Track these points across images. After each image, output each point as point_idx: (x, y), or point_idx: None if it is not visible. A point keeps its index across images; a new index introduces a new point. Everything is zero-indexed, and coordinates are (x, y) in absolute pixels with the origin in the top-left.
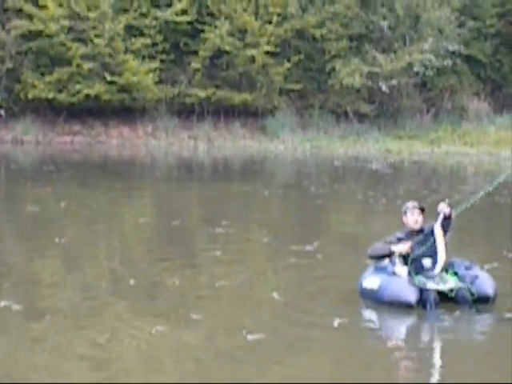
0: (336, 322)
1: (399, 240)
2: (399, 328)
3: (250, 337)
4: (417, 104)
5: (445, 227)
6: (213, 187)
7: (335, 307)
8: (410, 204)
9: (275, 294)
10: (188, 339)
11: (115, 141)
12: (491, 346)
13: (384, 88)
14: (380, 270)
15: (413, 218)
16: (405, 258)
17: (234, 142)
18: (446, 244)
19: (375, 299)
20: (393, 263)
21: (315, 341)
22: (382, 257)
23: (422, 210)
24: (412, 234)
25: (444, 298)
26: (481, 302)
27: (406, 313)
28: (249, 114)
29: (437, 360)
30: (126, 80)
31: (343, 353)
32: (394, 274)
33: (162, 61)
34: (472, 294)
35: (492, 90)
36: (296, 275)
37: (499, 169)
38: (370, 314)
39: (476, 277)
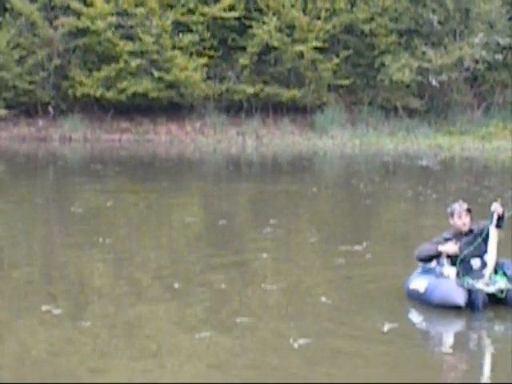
0: (386, 327)
1: (446, 240)
2: (447, 332)
3: (297, 343)
4: (467, 99)
5: (498, 227)
6: (261, 185)
7: (384, 310)
8: (457, 206)
9: (324, 298)
10: (232, 344)
11: (163, 138)
12: None
13: (434, 83)
14: (427, 271)
15: (460, 221)
16: (453, 259)
17: (282, 139)
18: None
19: (423, 301)
20: (440, 264)
21: (363, 347)
22: (429, 258)
23: (469, 210)
24: (460, 234)
25: (493, 299)
26: None
27: (454, 315)
28: (297, 110)
29: (487, 365)
30: (174, 76)
31: (391, 358)
32: (441, 275)
33: (209, 57)
34: None
35: None
36: (345, 277)
37: None
38: (418, 317)
39: None
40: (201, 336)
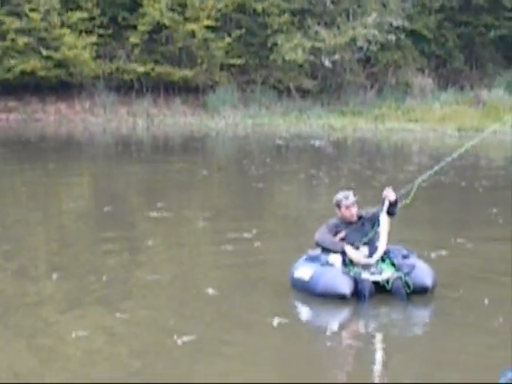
0: (275, 321)
1: (337, 228)
2: (334, 323)
3: (180, 339)
4: (360, 80)
5: (390, 214)
6: (151, 167)
7: (273, 302)
8: (343, 198)
9: (210, 289)
10: (108, 339)
11: (52, 118)
12: (427, 339)
13: (327, 63)
14: (313, 258)
15: (349, 213)
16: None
17: (174, 119)
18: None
19: (307, 290)
20: (326, 252)
21: (252, 342)
22: (329, 251)
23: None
24: (349, 223)
25: (380, 288)
26: (418, 293)
27: (340, 305)
28: (189, 90)
29: (373, 355)
30: (63, 55)
31: (279, 353)
32: (327, 263)
33: (99, 35)
34: (408, 286)
35: (436, 66)
36: (233, 266)
37: (444, 146)
38: (304, 309)
39: (413, 267)
40: (78, 334)
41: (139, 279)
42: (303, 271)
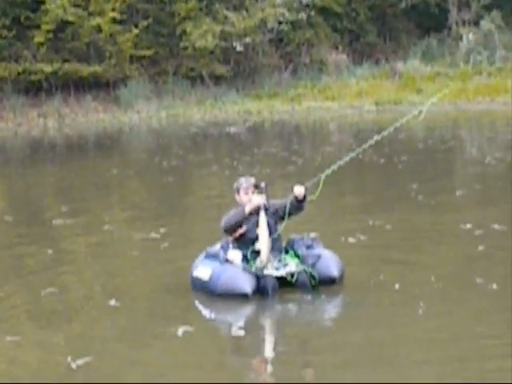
0: (180, 330)
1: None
2: (238, 324)
3: (76, 363)
4: (274, 61)
5: (298, 209)
6: (62, 168)
7: (175, 308)
8: (243, 181)
9: (113, 301)
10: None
11: None
12: (337, 333)
13: (238, 47)
14: (211, 256)
15: (247, 198)
16: (246, 240)
17: (86, 117)
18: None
19: (208, 291)
20: (224, 248)
21: (155, 356)
22: (239, 224)
23: (256, 187)
24: (250, 213)
25: (284, 282)
26: (326, 284)
27: (244, 304)
28: (100, 86)
29: (284, 354)
30: None
31: (190, 365)
32: (226, 260)
33: (2, 37)
34: (313, 278)
35: (350, 41)
36: (138, 272)
37: (362, 121)
38: (208, 312)
39: (319, 257)
40: None
41: (33, 294)
42: (202, 270)
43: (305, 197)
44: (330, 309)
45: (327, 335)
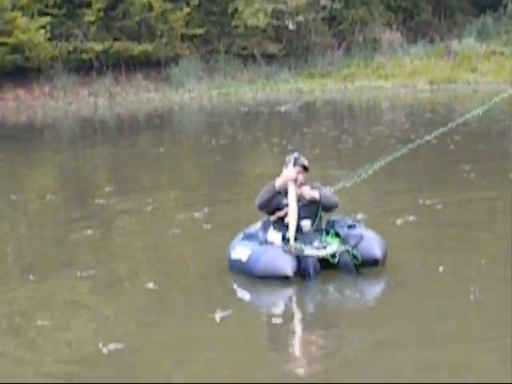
0: (218, 315)
1: (278, 194)
2: (279, 308)
3: (107, 348)
4: (327, 40)
5: (322, 207)
6: (109, 148)
7: (212, 292)
8: (292, 157)
9: (151, 284)
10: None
11: (10, 104)
12: (381, 314)
13: (291, 26)
14: (250, 236)
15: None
16: (282, 222)
17: (136, 96)
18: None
19: (246, 272)
20: (264, 229)
21: (196, 345)
22: (270, 200)
23: (305, 168)
24: (279, 191)
25: (326, 263)
26: (368, 265)
27: (284, 287)
28: (151, 65)
29: (328, 337)
30: (16, 39)
31: (229, 351)
32: (265, 241)
33: (53, 15)
34: (356, 258)
35: (404, 19)
36: (177, 254)
37: (416, 100)
38: (247, 296)
39: (361, 237)
40: None
41: (69, 273)
42: (240, 251)
43: (320, 198)
44: (373, 291)
45: (370, 318)
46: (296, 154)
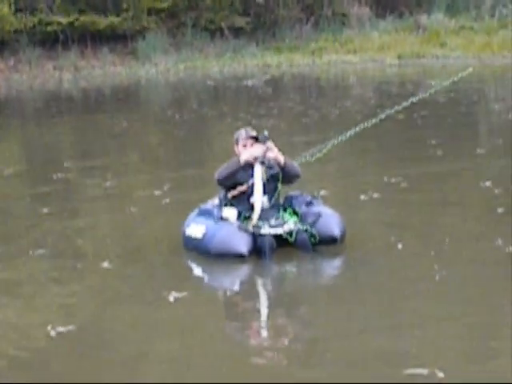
0: (172, 296)
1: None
2: (233, 287)
3: (55, 331)
4: (295, 13)
5: (282, 177)
6: (74, 122)
7: (166, 270)
8: (243, 133)
9: (106, 263)
10: None
11: None
12: (340, 293)
13: None
14: (205, 213)
15: (245, 150)
16: (239, 197)
17: (103, 70)
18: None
19: (201, 250)
20: (220, 205)
21: (148, 327)
22: (232, 175)
23: (256, 139)
24: (249, 166)
25: (282, 241)
26: (326, 243)
27: (239, 265)
28: (117, 39)
29: (285, 319)
30: None
31: (185, 329)
32: (221, 218)
33: None
34: (313, 237)
35: None
36: (134, 233)
37: (384, 75)
38: (201, 274)
39: (319, 215)
40: None
41: (19, 253)
42: (195, 228)
43: (285, 164)
44: (330, 270)
45: (326, 297)
46: (265, 132)
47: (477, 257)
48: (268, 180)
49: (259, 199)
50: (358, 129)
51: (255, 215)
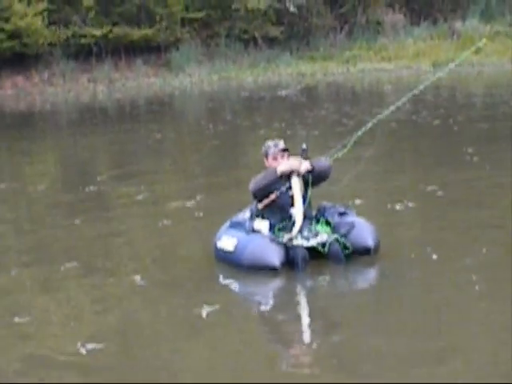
0: (204, 311)
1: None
2: (266, 301)
3: (85, 348)
4: (329, 22)
5: (310, 181)
6: (109, 135)
7: (198, 285)
8: (272, 146)
9: (138, 278)
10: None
11: (9, 92)
12: (373, 305)
13: (292, 8)
14: (236, 225)
15: (276, 164)
16: (271, 209)
17: (136, 82)
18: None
19: (233, 263)
20: (251, 216)
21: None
22: (269, 186)
23: (286, 150)
24: (281, 178)
25: (316, 253)
26: (360, 254)
27: (272, 278)
28: (151, 50)
29: (321, 333)
30: (14, 25)
31: (218, 349)
32: (252, 230)
33: (50, 1)
34: (346, 248)
35: (407, 0)
36: (167, 245)
37: (419, 82)
38: (233, 288)
39: (352, 225)
40: None
41: (51, 266)
42: (226, 240)
43: (313, 169)
44: (364, 282)
45: (361, 310)
46: (304, 146)
47: None
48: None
49: (300, 211)
50: (370, 125)
51: (296, 228)
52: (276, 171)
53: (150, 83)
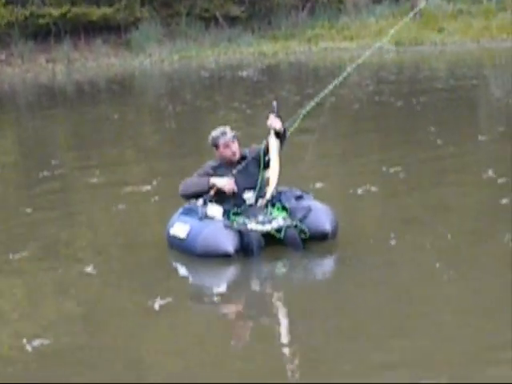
0: (157, 303)
1: (215, 170)
2: (221, 290)
3: (31, 345)
4: (290, 1)
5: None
6: (67, 116)
7: (151, 275)
8: (220, 135)
9: (89, 268)
10: None
11: None
12: (330, 292)
13: None
14: (189, 212)
15: (229, 151)
16: (224, 194)
17: (96, 62)
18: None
19: (186, 250)
20: (204, 203)
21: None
22: (199, 194)
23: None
24: (230, 163)
25: (272, 239)
26: (317, 239)
27: (226, 265)
28: (111, 30)
29: (274, 322)
30: None
31: (171, 342)
32: (205, 216)
33: None
34: (303, 233)
35: None
36: (121, 231)
37: (382, 61)
38: (187, 278)
39: (309, 209)
40: None
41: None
42: (179, 228)
43: (284, 131)
44: (321, 268)
45: (318, 297)
46: (274, 103)
47: (479, 252)
48: (249, 173)
49: (276, 173)
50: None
51: (269, 191)
52: (208, 182)
53: (109, 63)
